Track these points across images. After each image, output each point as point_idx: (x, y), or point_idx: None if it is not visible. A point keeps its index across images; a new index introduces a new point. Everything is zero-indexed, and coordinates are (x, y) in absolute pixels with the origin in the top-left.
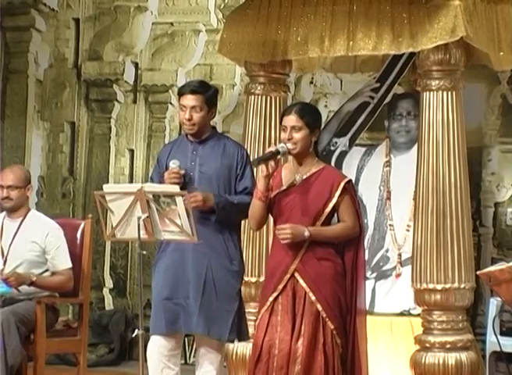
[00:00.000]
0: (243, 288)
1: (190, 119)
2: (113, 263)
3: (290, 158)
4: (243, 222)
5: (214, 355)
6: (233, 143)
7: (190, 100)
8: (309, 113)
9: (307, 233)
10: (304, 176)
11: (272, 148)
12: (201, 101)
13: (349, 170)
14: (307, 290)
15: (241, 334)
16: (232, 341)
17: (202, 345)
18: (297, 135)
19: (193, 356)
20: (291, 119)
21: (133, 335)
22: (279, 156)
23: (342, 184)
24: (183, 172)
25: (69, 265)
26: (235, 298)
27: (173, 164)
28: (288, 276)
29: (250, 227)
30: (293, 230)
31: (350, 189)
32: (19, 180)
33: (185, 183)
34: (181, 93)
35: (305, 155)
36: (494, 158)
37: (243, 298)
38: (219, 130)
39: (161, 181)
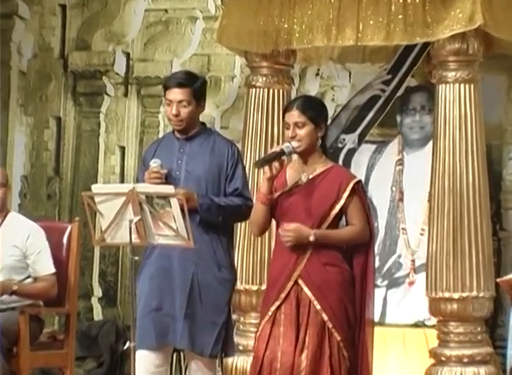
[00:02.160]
0: (243, 297)
1: (177, 115)
2: (102, 270)
3: (295, 156)
4: (242, 225)
5: (205, 372)
6: (223, 140)
7: (176, 94)
8: (312, 107)
9: (312, 238)
10: (310, 176)
11: (277, 148)
12: (189, 94)
13: (358, 169)
14: (312, 298)
15: (228, 349)
16: (216, 356)
17: (192, 361)
18: (301, 132)
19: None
20: (293, 115)
21: (125, 348)
22: (283, 157)
23: (350, 185)
24: (164, 171)
25: (53, 270)
26: (222, 309)
27: (154, 163)
28: (291, 283)
29: (253, 233)
30: (296, 232)
31: (360, 190)
32: (5, 178)
33: (168, 183)
34: (166, 86)
35: (311, 152)
36: None
37: (234, 309)
38: (217, 125)
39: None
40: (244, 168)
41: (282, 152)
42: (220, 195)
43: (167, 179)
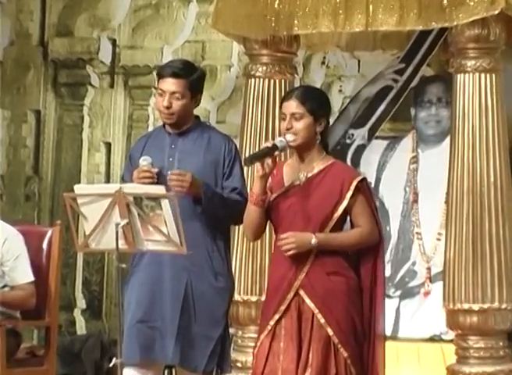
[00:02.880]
0: (241, 309)
1: (168, 107)
2: (86, 279)
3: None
4: (240, 229)
5: None
6: (219, 135)
7: (169, 84)
8: (312, 98)
9: (314, 240)
10: (309, 175)
11: (269, 143)
12: (183, 86)
13: (368, 168)
14: (315, 310)
15: (224, 365)
16: (210, 373)
17: None
18: (298, 124)
19: None
20: (291, 106)
21: (111, 365)
22: (276, 152)
23: (354, 183)
24: (155, 170)
25: (31, 278)
26: (219, 322)
27: (144, 161)
28: (292, 294)
29: (247, 237)
30: (297, 238)
31: (365, 189)
32: None
33: (159, 184)
34: (160, 75)
35: (309, 148)
36: None
37: (231, 322)
38: (213, 119)
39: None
40: (242, 166)
41: (274, 147)
42: None
43: (158, 178)
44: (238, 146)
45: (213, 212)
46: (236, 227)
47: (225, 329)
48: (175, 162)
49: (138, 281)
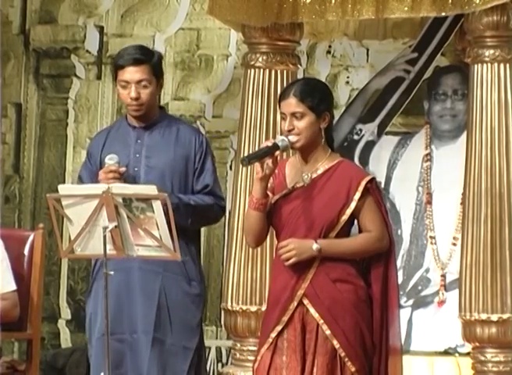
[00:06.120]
0: (239, 320)
1: (137, 98)
2: (71, 288)
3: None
4: (239, 235)
5: None
6: (189, 127)
7: (134, 73)
8: (312, 93)
9: (316, 246)
10: (314, 175)
11: (269, 142)
12: (148, 72)
13: (377, 166)
14: (320, 321)
15: None
16: None
17: None
18: (300, 124)
19: None
20: (289, 104)
21: None
22: (277, 152)
23: (362, 183)
24: (123, 169)
25: (13, 287)
26: (195, 331)
27: (110, 160)
28: (295, 304)
29: (248, 244)
30: (296, 244)
31: (374, 190)
32: None
33: (127, 183)
34: (119, 66)
35: (313, 147)
36: None
37: (229, 333)
38: (209, 113)
39: (93, 182)
40: (214, 161)
41: (275, 147)
42: (187, 193)
43: (125, 178)
44: (236, 143)
45: (179, 222)
46: (234, 232)
47: (201, 339)
48: (142, 159)
49: (102, 290)
